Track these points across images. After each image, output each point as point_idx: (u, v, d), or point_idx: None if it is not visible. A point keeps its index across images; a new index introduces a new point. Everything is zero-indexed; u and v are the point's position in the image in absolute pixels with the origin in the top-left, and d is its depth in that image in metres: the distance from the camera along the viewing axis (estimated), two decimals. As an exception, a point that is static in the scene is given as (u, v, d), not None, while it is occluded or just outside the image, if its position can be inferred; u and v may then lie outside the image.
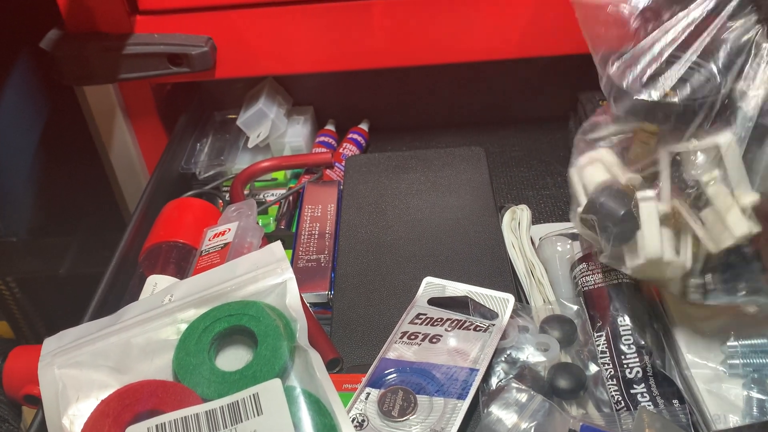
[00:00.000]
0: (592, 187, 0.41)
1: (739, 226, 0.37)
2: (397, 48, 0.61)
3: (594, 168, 0.42)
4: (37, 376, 0.40)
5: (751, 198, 0.37)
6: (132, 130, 0.69)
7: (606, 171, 0.41)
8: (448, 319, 0.43)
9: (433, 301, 0.46)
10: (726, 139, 0.37)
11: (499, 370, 0.41)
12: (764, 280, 0.39)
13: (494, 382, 0.40)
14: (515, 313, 0.44)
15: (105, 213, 0.81)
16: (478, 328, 0.42)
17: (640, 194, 0.39)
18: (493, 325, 0.42)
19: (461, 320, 0.43)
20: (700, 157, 0.38)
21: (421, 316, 0.44)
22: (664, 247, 0.39)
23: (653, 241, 0.39)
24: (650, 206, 0.39)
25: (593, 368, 0.41)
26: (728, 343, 0.43)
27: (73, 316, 0.46)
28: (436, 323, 0.43)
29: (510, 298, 0.44)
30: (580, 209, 0.42)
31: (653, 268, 0.40)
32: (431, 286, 0.47)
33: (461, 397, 0.38)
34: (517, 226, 0.52)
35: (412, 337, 0.43)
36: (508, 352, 0.41)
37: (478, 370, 0.39)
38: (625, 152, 0.42)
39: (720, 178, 0.37)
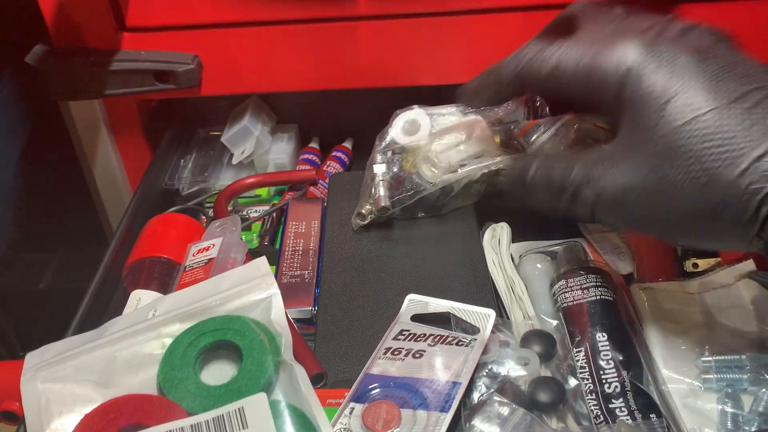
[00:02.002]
0: None
1: None
2: (381, 69, 0.62)
3: None
4: (15, 392, 0.40)
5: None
6: (116, 145, 0.69)
7: None
8: (431, 335, 0.44)
9: (417, 318, 0.46)
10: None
11: (481, 384, 0.41)
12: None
13: (476, 396, 0.40)
14: (496, 328, 0.44)
15: (87, 229, 0.80)
16: (460, 343, 0.43)
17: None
18: (475, 339, 0.43)
19: (444, 335, 0.44)
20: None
21: (404, 332, 0.45)
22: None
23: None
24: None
25: (573, 382, 0.42)
26: (702, 359, 0.44)
27: (49, 332, 0.46)
28: (419, 339, 0.44)
29: (491, 313, 0.45)
30: None
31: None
32: (414, 302, 0.48)
33: (444, 409, 0.38)
34: (498, 243, 0.53)
35: (396, 352, 0.43)
36: (489, 367, 0.42)
37: (460, 383, 0.40)
38: None
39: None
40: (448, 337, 0.44)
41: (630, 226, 0.39)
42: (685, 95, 0.34)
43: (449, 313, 0.46)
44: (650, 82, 0.35)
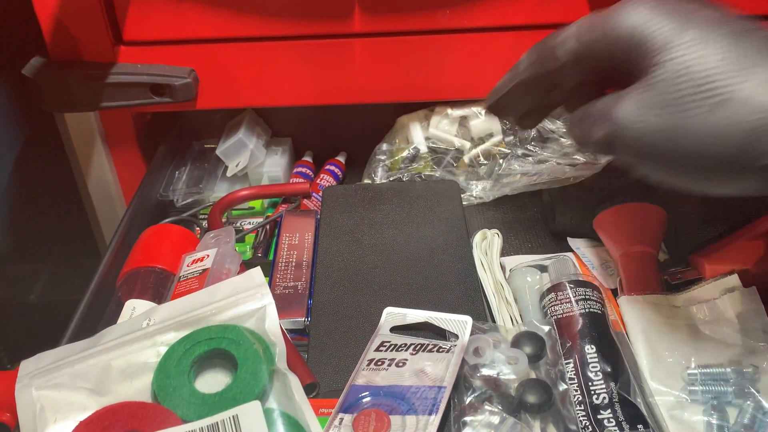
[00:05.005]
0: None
1: None
2: (375, 85, 0.64)
3: None
4: (4, 403, 0.40)
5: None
6: (110, 157, 0.70)
7: None
8: (411, 344, 0.45)
9: (398, 329, 0.47)
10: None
11: (472, 386, 0.42)
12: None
13: (467, 399, 0.41)
14: (484, 331, 0.46)
15: (79, 240, 0.80)
16: (440, 350, 0.44)
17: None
18: (455, 345, 0.44)
19: (424, 344, 0.45)
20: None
21: (385, 344, 0.46)
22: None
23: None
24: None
25: (562, 386, 0.43)
26: (688, 371, 0.45)
27: (38, 344, 0.45)
28: (400, 349, 0.45)
29: (468, 320, 0.46)
30: None
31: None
32: (392, 315, 0.48)
33: (432, 412, 0.39)
34: (488, 246, 0.54)
35: (379, 363, 0.44)
36: (481, 370, 0.43)
37: (445, 387, 0.41)
38: None
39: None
40: (428, 345, 0.45)
41: (644, 161, 0.37)
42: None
43: (427, 323, 0.47)
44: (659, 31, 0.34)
